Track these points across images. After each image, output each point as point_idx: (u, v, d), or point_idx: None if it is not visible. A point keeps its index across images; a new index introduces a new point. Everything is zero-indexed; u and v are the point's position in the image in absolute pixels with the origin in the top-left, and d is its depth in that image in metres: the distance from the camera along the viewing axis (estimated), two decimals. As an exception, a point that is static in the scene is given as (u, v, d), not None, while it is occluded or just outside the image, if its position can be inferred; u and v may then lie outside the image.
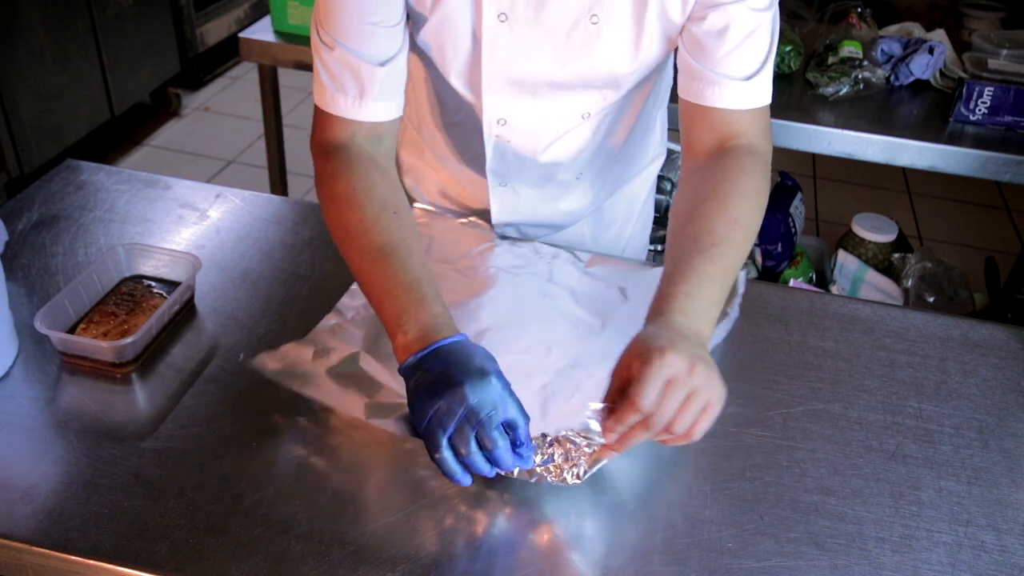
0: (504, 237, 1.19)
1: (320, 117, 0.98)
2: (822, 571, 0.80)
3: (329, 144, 0.97)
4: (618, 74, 1.00)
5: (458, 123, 1.12)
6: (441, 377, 0.78)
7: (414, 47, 1.03)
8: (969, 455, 0.94)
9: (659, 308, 0.84)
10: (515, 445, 0.79)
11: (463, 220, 1.20)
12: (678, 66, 1.00)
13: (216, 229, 1.20)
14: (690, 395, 0.77)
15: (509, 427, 0.79)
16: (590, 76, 1.00)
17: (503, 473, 0.82)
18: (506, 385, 0.80)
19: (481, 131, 1.07)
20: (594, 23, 0.95)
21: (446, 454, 0.78)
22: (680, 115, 1.02)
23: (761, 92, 0.97)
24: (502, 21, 0.95)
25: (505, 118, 1.05)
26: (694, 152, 1.00)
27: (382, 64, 0.95)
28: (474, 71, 1.01)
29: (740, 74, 0.95)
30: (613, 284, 1.09)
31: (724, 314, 1.04)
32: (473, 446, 0.77)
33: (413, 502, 0.84)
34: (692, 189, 0.96)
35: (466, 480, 0.79)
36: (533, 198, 1.18)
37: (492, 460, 0.79)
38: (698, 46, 0.95)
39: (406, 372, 0.82)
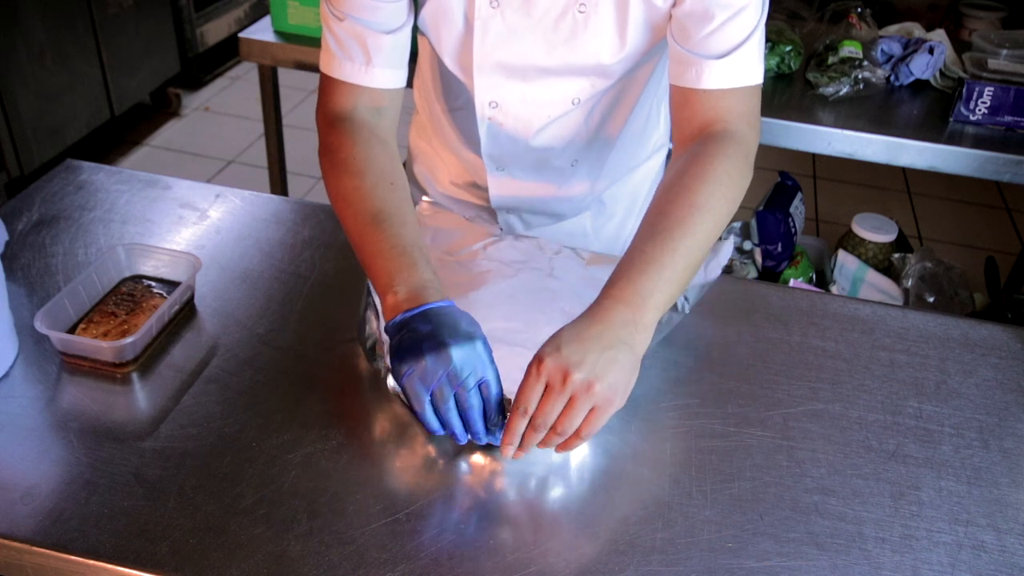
0: (509, 232, 1.19)
1: (326, 87, 1.02)
2: (822, 571, 0.80)
3: (333, 114, 1.01)
4: (605, 62, 1.01)
5: (460, 107, 1.14)
6: (427, 336, 0.82)
7: (420, 32, 1.06)
8: (969, 455, 0.94)
9: (598, 299, 0.86)
10: (487, 416, 0.84)
11: (468, 215, 1.21)
12: (669, 54, 1.00)
13: (216, 229, 1.20)
14: (572, 399, 0.80)
15: (485, 391, 0.83)
16: (577, 63, 1.01)
17: (477, 443, 0.86)
18: (489, 351, 0.83)
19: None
20: (581, 12, 0.96)
21: (427, 408, 0.82)
22: (669, 104, 1.02)
23: (742, 70, 0.95)
24: (494, 7, 0.98)
25: (497, 101, 1.07)
26: (679, 141, 1.00)
27: (388, 33, 0.99)
28: (466, 53, 1.03)
29: (719, 51, 0.94)
30: None
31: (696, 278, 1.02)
32: (451, 403, 0.82)
33: (413, 502, 0.84)
34: (665, 180, 0.96)
35: (442, 431, 0.85)
36: (530, 184, 1.19)
37: (466, 421, 0.83)
38: (681, 29, 0.95)
39: (391, 330, 0.85)
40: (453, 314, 0.84)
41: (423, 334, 0.82)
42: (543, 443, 0.83)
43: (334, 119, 1.01)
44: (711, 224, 0.90)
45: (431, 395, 0.82)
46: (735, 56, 0.94)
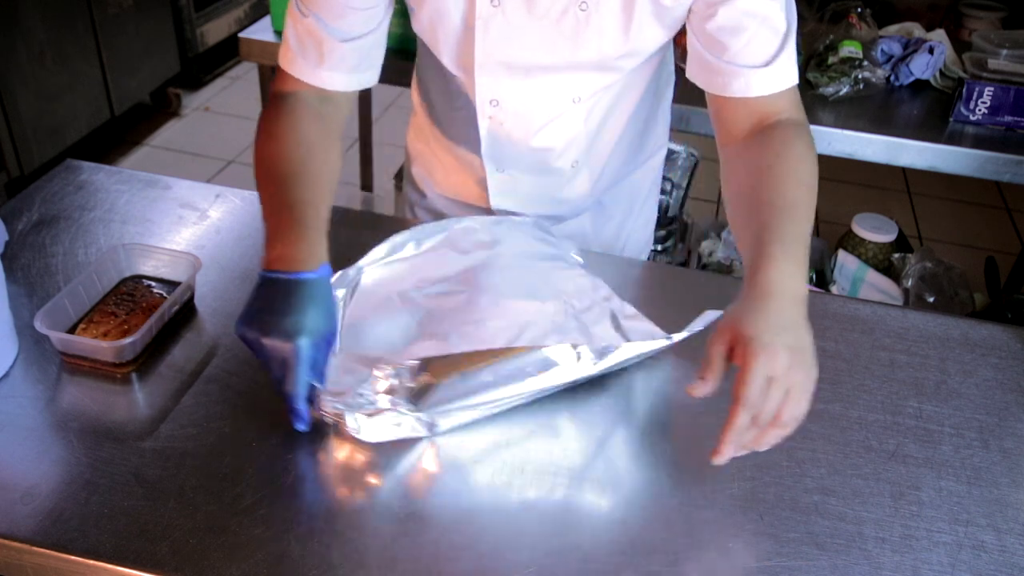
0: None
1: (279, 73, 1.05)
2: (822, 571, 0.80)
3: (279, 93, 1.04)
4: (607, 60, 1.02)
5: (459, 108, 1.14)
6: (266, 314, 0.84)
7: (420, 32, 1.07)
8: (969, 455, 0.94)
9: (756, 276, 0.84)
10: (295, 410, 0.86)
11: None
12: (692, 62, 1.00)
13: (216, 229, 1.20)
14: (788, 390, 0.79)
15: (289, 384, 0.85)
16: (579, 61, 1.02)
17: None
18: (313, 355, 0.84)
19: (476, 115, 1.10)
20: (583, 10, 0.97)
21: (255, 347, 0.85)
22: (710, 108, 1.02)
23: (785, 74, 0.97)
24: (495, 6, 0.98)
25: (497, 99, 1.07)
26: (732, 138, 1.00)
27: (345, 41, 1.00)
28: (466, 54, 1.03)
29: (759, 61, 0.95)
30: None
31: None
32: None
33: (413, 502, 0.84)
34: (746, 169, 0.96)
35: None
36: (530, 186, 1.19)
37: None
38: (714, 42, 0.96)
39: (257, 282, 0.87)
40: (301, 299, 0.85)
41: (265, 307, 0.85)
42: (755, 441, 0.81)
43: (278, 95, 1.04)
44: (814, 202, 0.93)
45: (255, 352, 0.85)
46: (777, 63, 0.96)
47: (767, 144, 0.95)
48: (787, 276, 0.84)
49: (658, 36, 1.00)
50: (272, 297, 0.85)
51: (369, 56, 1.05)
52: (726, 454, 0.80)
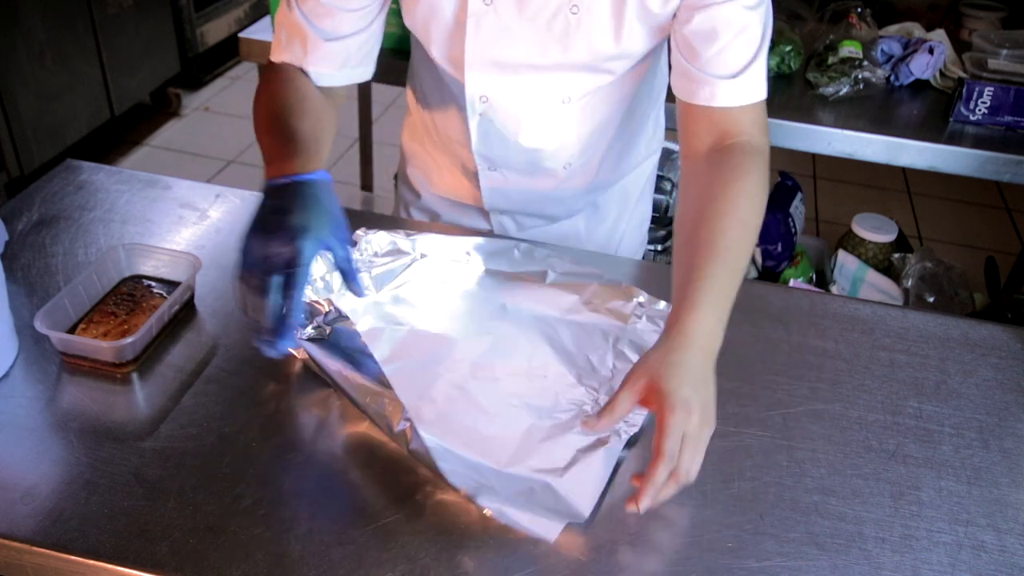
0: (501, 232, 1.19)
1: (267, 65, 1.07)
2: (822, 571, 0.80)
3: (272, 67, 1.06)
4: (598, 63, 1.02)
5: (452, 106, 1.14)
6: (268, 218, 0.83)
7: (413, 28, 1.07)
8: (969, 455, 0.94)
9: (678, 324, 0.84)
10: (281, 321, 0.81)
11: (461, 218, 1.20)
12: (672, 66, 1.01)
13: (216, 229, 1.20)
14: (696, 445, 0.80)
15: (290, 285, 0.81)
16: (569, 63, 1.02)
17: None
18: (314, 252, 0.82)
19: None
20: (574, 13, 0.97)
21: (239, 283, 0.83)
22: (677, 116, 1.02)
23: (752, 88, 0.97)
24: (487, 4, 0.98)
25: (487, 95, 1.07)
26: (693, 151, 1.00)
27: (330, 40, 1.01)
28: (457, 51, 1.03)
29: (728, 72, 0.95)
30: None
31: None
32: (250, 284, 0.82)
33: (413, 502, 0.84)
34: (697, 192, 0.96)
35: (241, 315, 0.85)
36: (523, 185, 1.19)
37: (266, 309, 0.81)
38: (688, 47, 0.96)
39: (262, 193, 0.87)
40: (300, 195, 0.85)
41: (268, 213, 0.84)
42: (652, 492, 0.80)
43: (271, 67, 1.05)
44: (754, 241, 0.93)
45: (244, 271, 0.83)
46: (745, 76, 0.95)
47: (719, 170, 0.95)
48: (707, 329, 0.84)
49: (647, 40, 1.00)
50: (271, 206, 0.85)
51: (359, 52, 1.05)
52: (644, 506, 0.79)
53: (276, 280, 0.81)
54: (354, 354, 0.91)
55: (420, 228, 1.16)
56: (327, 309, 0.93)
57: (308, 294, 0.91)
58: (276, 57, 1.05)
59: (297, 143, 0.92)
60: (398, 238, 1.09)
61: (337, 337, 0.93)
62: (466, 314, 1.04)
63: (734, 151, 0.96)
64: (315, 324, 0.93)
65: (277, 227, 0.82)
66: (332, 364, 0.92)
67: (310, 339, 0.94)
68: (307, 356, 0.95)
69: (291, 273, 0.81)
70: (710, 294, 0.86)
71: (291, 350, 0.94)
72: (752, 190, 0.93)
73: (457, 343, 0.99)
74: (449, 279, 1.09)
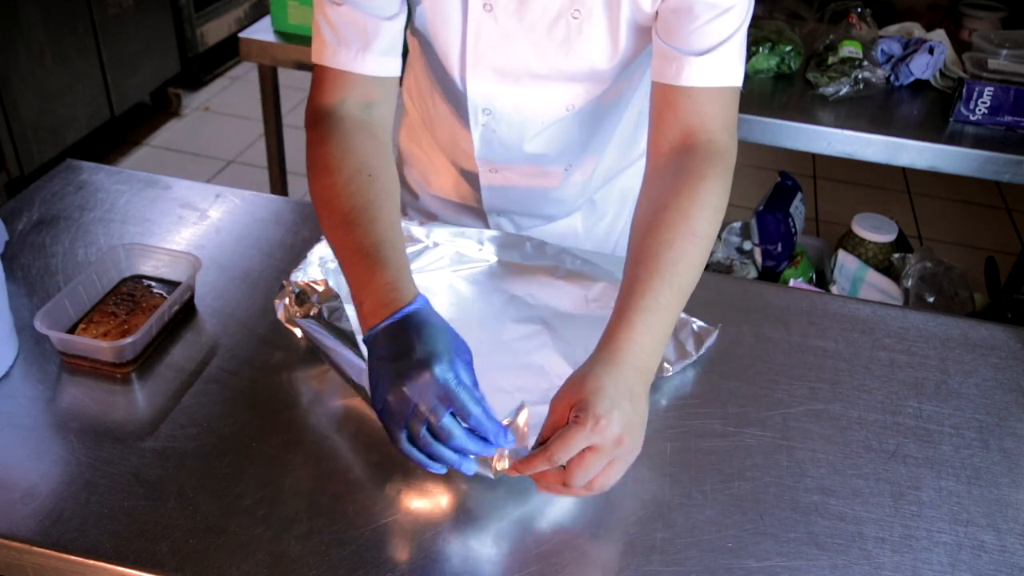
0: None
1: (318, 79, 0.99)
2: (822, 571, 0.80)
3: (320, 110, 0.97)
4: (599, 68, 1.01)
5: (453, 110, 1.13)
6: (389, 365, 0.77)
7: (415, 32, 1.06)
8: (969, 455, 0.94)
9: (612, 340, 0.82)
10: (477, 432, 0.77)
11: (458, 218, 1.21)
12: (652, 53, 0.98)
13: (216, 229, 1.20)
14: (612, 461, 0.77)
15: (464, 415, 0.76)
16: (571, 70, 1.01)
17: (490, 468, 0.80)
18: (453, 367, 0.76)
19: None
20: (575, 18, 0.96)
21: (406, 446, 0.77)
22: (649, 110, 0.99)
23: (721, 69, 0.92)
24: (487, 11, 0.97)
25: (490, 107, 1.07)
26: (655, 149, 0.97)
27: (386, 19, 0.96)
28: (460, 55, 1.02)
29: (700, 47, 0.92)
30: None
31: (688, 354, 1.01)
32: (429, 439, 0.76)
33: (413, 502, 0.84)
34: (653, 197, 0.92)
35: (436, 468, 0.79)
36: (523, 187, 1.19)
37: (455, 449, 0.77)
38: (666, 25, 0.94)
39: (367, 344, 0.81)
40: (415, 326, 0.79)
41: (383, 361, 0.78)
42: (556, 489, 0.79)
43: (321, 115, 0.97)
44: (706, 252, 0.89)
45: (406, 433, 0.76)
46: (716, 54, 0.92)
47: (674, 176, 0.91)
48: (639, 349, 0.81)
49: (644, 41, 0.99)
50: (386, 348, 0.78)
51: (400, 38, 1.00)
52: (508, 473, 0.78)
53: (447, 421, 0.75)
54: (354, 336, 0.91)
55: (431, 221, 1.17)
56: (325, 290, 0.94)
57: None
58: (330, 60, 0.97)
59: (389, 269, 0.83)
60: (412, 226, 1.12)
61: (339, 319, 0.93)
62: (473, 303, 1.07)
63: (694, 154, 0.92)
64: (316, 307, 0.94)
65: (409, 368, 0.76)
66: (329, 342, 0.93)
67: (308, 317, 0.95)
68: (304, 335, 0.95)
69: (454, 400, 0.75)
70: (648, 311, 0.83)
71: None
72: (706, 198, 0.89)
73: (462, 331, 1.00)
74: (460, 268, 1.11)
